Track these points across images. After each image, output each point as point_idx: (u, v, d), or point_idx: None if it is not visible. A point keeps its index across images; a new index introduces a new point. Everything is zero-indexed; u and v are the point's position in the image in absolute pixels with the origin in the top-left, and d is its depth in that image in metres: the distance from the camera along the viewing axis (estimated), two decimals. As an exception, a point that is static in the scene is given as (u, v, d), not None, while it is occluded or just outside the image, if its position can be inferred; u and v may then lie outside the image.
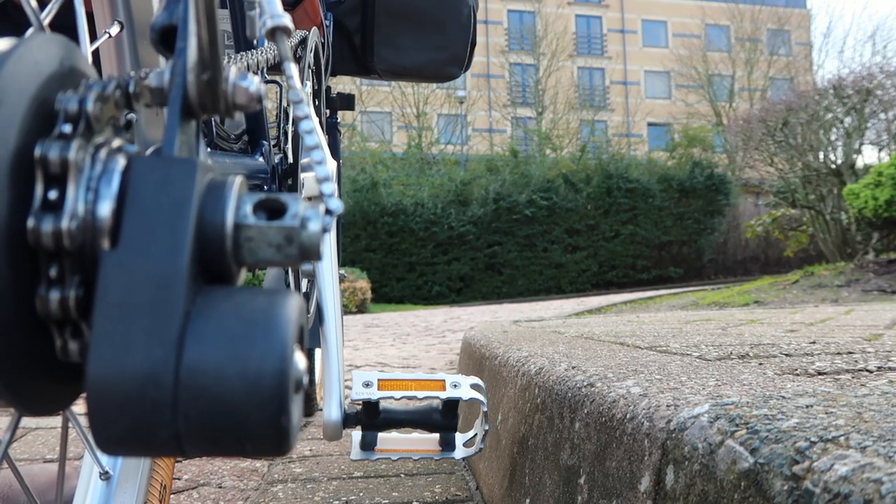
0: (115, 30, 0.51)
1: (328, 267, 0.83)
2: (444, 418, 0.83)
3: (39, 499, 0.68)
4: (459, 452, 0.85)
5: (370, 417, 0.81)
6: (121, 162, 0.28)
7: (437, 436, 0.86)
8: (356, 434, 0.85)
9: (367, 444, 0.85)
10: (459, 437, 0.86)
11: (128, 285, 0.25)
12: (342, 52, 1.51)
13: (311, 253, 0.28)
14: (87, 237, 0.26)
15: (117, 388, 0.24)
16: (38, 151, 0.26)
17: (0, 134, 0.25)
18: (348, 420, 0.80)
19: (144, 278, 0.25)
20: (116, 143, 0.29)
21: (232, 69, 0.31)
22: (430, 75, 1.51)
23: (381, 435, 0.85)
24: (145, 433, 0.25)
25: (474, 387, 0.83)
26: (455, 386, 0.82)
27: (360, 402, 0.81)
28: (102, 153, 0.28)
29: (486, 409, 0.84)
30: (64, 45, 0.29)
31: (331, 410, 0.78)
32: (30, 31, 0.33)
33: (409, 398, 0.82)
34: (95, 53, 0.53)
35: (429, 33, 1.47)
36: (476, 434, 0.86)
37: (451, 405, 0.82)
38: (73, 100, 0.27)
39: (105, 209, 0.26)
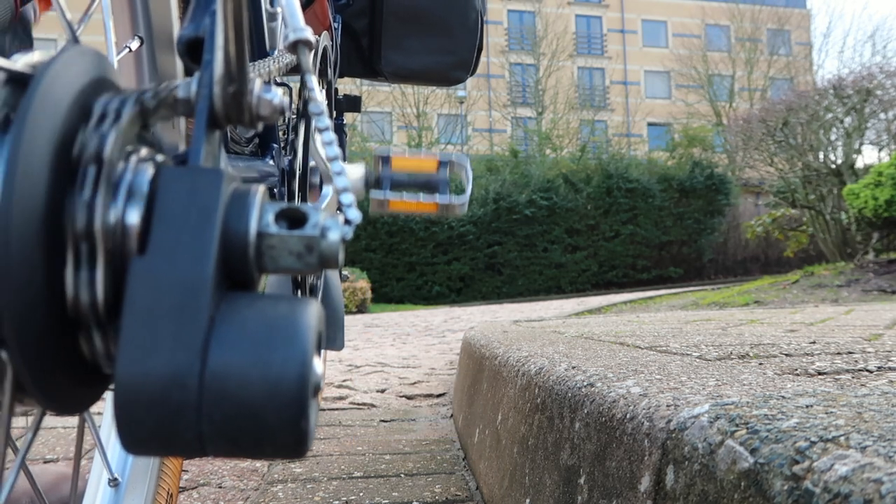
0: (135, 45, 0.53)
1: None
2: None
3: (41, 499, 0.68)
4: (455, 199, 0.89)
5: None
6: (149, 171, 0.28)
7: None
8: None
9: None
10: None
11: (155, 291, 0.26)
12: (349, 54, 1.51)
13: (330, 261, 0.29)
14: (117, 244, 0.27)
15: (144, 390, 0.25)
16: (78, 140, 0.27)
17: (46, 125, 0.26)
18: (368, 182, 0.83)
19: (171, 284, 0.26)
20: (144, 152, 0.30)
21: (257, 82, 0.32)
22: (437, 79, 1.51)
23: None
24: (170, 434, 0.26)
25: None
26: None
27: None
28: (132, 162, 0.29)
29: (467, 168, 0.88)
30: (99, 57, 0.30)
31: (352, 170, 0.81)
32: (64, 43, 0.33)
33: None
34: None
35: (436, 37, 1.47)
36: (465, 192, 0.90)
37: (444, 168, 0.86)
38: (113, 101, 0.28)
39: (134, 216, 0.27)
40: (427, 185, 0.87)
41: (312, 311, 0.28)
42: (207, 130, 0.30)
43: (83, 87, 0.28)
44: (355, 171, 0.84)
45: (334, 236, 0.29)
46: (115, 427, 0.26)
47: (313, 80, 0.32)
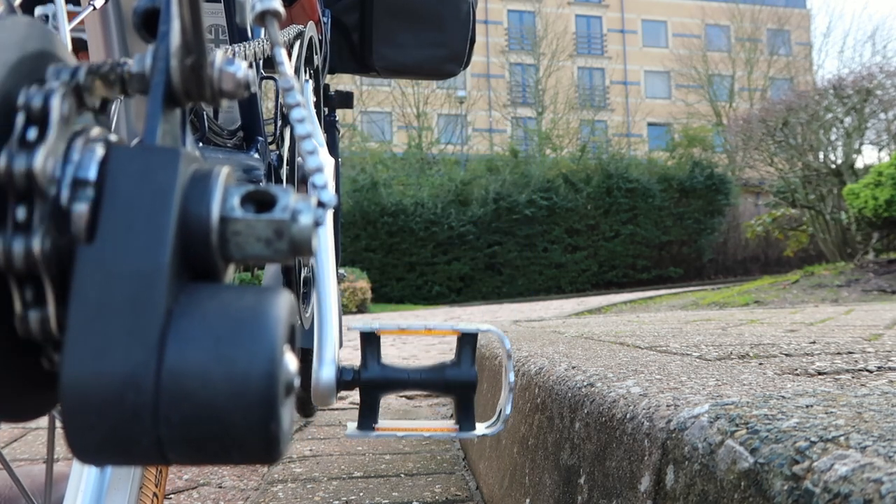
0: (99, 2, 0.49)
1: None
2: (459, 372, 0.65)
3: (41, 499, 0.68)
4: (482, 429, 0.68)
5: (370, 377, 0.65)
6: (99, 151, 0.26)
7: (451, 420, 0.72)
8: (352, 424, 0.71)
9: (366, 424, 0.67)
10: (480, 426, 0.69)
11: (105, 283, 0.24)
12: (341, 49, 1.50)
13: (302, 248, 0.27)
14: (63, 236, 0.25)
15: (94, 392, 0.23)
16: (2, 162, 0.24)
17: None
18: (343, 380, 0.65)
19: (123, 275, 0.24)
20: (95, 131, 0.27)
21: (218, 54, 0.30)
22: (430, 73, 1.51)
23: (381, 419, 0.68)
24: (125, 441, 0.24)
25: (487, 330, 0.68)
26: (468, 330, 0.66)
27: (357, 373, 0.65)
28: (79, 142, 0.26)
29: (508, 346, 0.68)
30: (36, 29, 0.28)
31: (323, 368, 0.64)
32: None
33: (418, 330, 0.67)
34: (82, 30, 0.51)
35: (428, 30, 1.47)
36: (500, 410, 0.69)
37: (468, 352, 0.66)
38: (38, 97, 0.25)
39: (81, 202, 0.25)
40: (436, 384, 0.64)
41: (283, 302, 0.26)
42: (164, 107, 0.27)
43: (18, 61, 0.26)
44: (325, 372, 0.63)
45: (306, 220, 0.26)
46: (64, 433, 0.24)
47: (282, 54, 0.30)
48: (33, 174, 0.24)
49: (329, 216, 0.81)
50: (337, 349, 0.65)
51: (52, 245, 0.25)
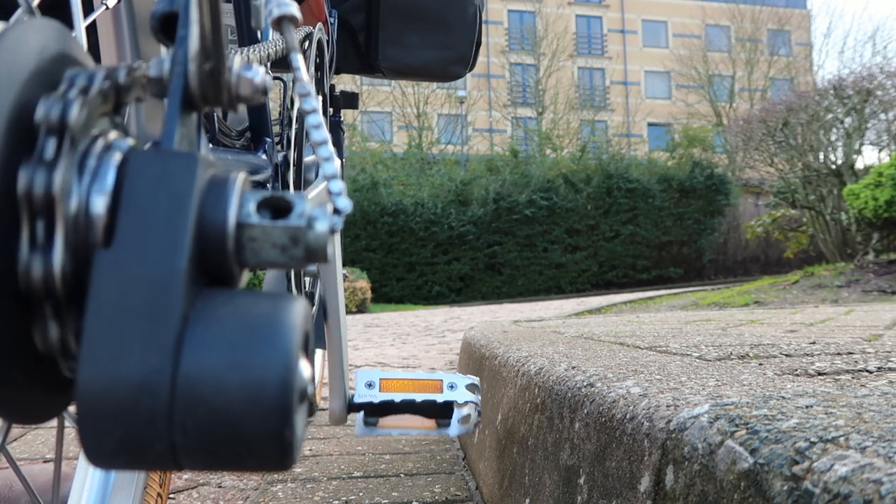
0: (112, 2, 0.49)
1: (333, 262, 0.84)
2: (441, 410, 0.89)
3: (41, 499, 0.68)
4: (455, 429, 0.89)
5: (372, 407, 0.87)
6: (116, 156, 0.26)
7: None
8: (359, 414, 0.91)
9: (370, 423, 0.90)
10: (456, 414, 0.90)
11: (122, 287, 0.24)
12: (346, 50, 1.50)
13: (317, 254, 0.27)
14: (80, 240, 0.25)
15: (109, 397, 0.23)
16: (21, 181, 0.24)
17: None
18: (352, 406, 0.86)
19: (140, 280, 0.24)
20: (112, 135, 0.27)
21: (236, 59, 0.30)
22: (436, 74, 1.50)
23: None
24: (139, 446, 0.24)
25: (470, 387, 0.87)
26: (451, 387, 0.87)
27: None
28: (97, 146, 0.26)
29: (479, 408, 0.88)
30: (55, 31, 0.27)
31: (336, 401, 0.85)
32: (17, 13, 0.31)
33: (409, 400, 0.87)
34: (93, 30, 0.51)
35: (434, 32, 1.46)
36: (469, 413, 0.90)
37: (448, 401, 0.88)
38: (56, 108, 0.25)
39: (99, 206, 0.25)
40: (424, 411, 0.87)
41: (298, 309, 0.26)
42: (182, 112, 0.27)
43: (38, 64, 0.26)
44: (338, 400, 0.85)
45: (322, 227, 0.26)
46: (77, 439, 0.24)
47: (299, 59, 0.30)
48: (52, 194, 0.24)
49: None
50: (346, 384, 0.86)
51: (70, 265, 0.25)
